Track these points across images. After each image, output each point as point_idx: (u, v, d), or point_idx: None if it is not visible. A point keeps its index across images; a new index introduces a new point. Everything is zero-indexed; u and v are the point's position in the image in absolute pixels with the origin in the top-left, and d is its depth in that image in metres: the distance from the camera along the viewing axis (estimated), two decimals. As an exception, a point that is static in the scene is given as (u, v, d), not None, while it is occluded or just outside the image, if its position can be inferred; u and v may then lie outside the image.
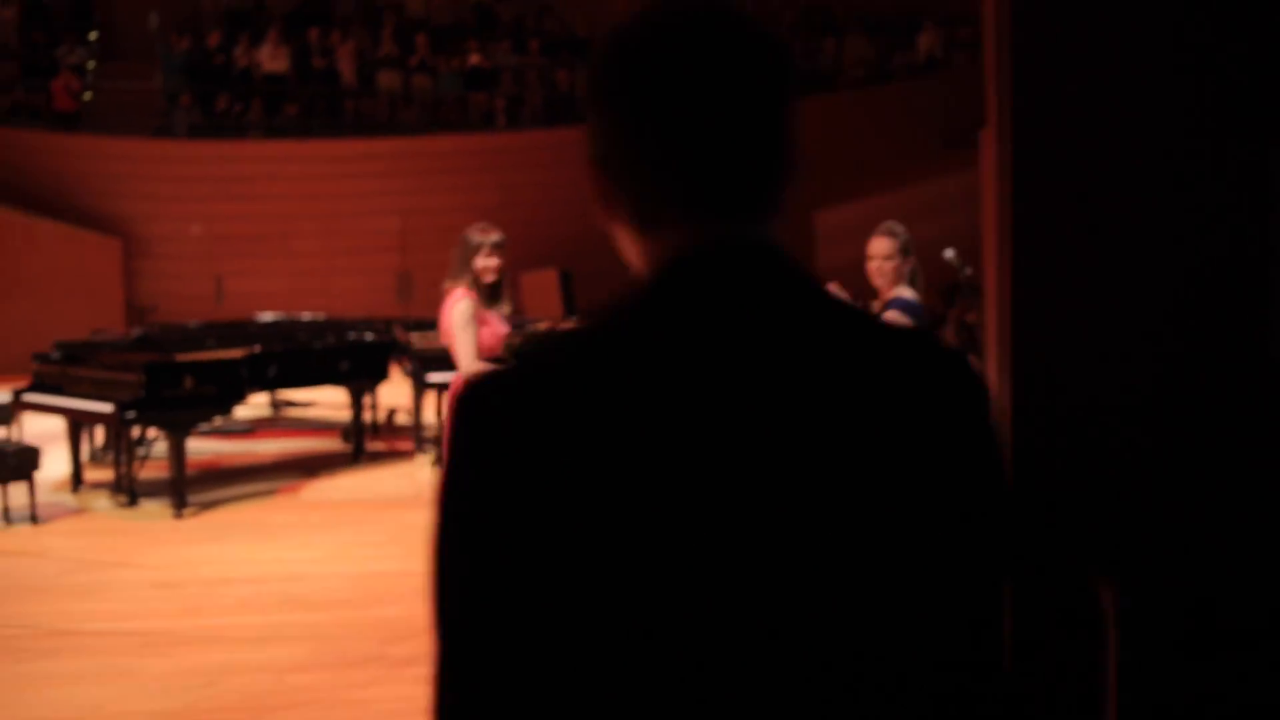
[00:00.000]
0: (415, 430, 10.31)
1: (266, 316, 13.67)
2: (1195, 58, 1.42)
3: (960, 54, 24.14)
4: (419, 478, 9.75)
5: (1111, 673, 1.31)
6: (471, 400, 1.05)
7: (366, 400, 11.08)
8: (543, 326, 11.46)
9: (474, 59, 22.74)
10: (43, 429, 10.77)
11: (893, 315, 5.01)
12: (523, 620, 1.04)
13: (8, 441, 8.09)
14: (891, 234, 5.07)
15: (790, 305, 1.08)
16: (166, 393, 7.98)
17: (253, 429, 11.95)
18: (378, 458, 10.61)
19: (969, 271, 5.67)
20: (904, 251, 5.05)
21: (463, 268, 5.35)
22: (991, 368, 1.46)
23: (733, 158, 1.11)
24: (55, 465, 9.42)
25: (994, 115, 1.50)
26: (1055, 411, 1.37)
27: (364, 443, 10.74)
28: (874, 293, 5.17)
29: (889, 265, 5.05)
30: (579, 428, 1.01)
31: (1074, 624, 1.33)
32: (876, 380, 1.06)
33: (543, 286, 20.28)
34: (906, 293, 5.05)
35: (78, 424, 9.07)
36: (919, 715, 1.05)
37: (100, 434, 10.39)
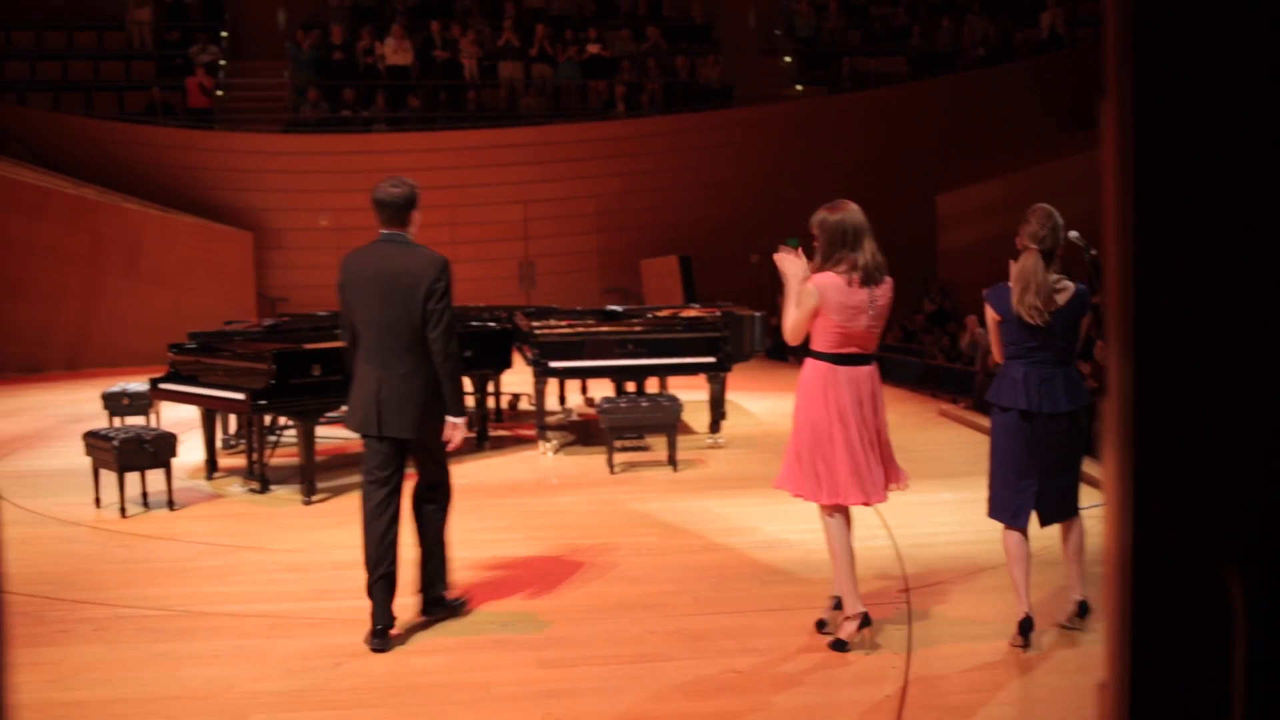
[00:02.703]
0: (538, 417, 10.40)
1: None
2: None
3: (1085, 30, 23.54)
4: (541, 464, 9.84)
5: (1240, 665, 1.26)
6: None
7: (490, 387, 11.21)
8: (664, 314, 11.47)
9: (593, 47, 22.81)
10: (179, 417, 11.11)
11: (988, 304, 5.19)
12: (347, 309, 5.40)
13: (146, 429, 8.35)
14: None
15: (394, 243, 5.33)
16: (296, 381, 8.15)
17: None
18: (501, 444, 10.74)
19: (1093, 253, 5.53)
20: (1032, 235, 5.06)
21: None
22: (1113, 350, 1.41)
23: (390, 215, 5.33)
24: (190, 452, 9.70)
25: (1114, 85, 1.44)
26: (1180, 395, 1.32)
27: (487, 429, 10.88)
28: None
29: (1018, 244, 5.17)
30: (349, 265, 5.37)
31: (1201, 615, 1.28)
32: (403, 255, 5.28)
33: (663, 272, 20.33)
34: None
35: (211, 412, 9.31)
36: (417, 339, 5.26)
37: (233, 422, 10.68)
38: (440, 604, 5.68)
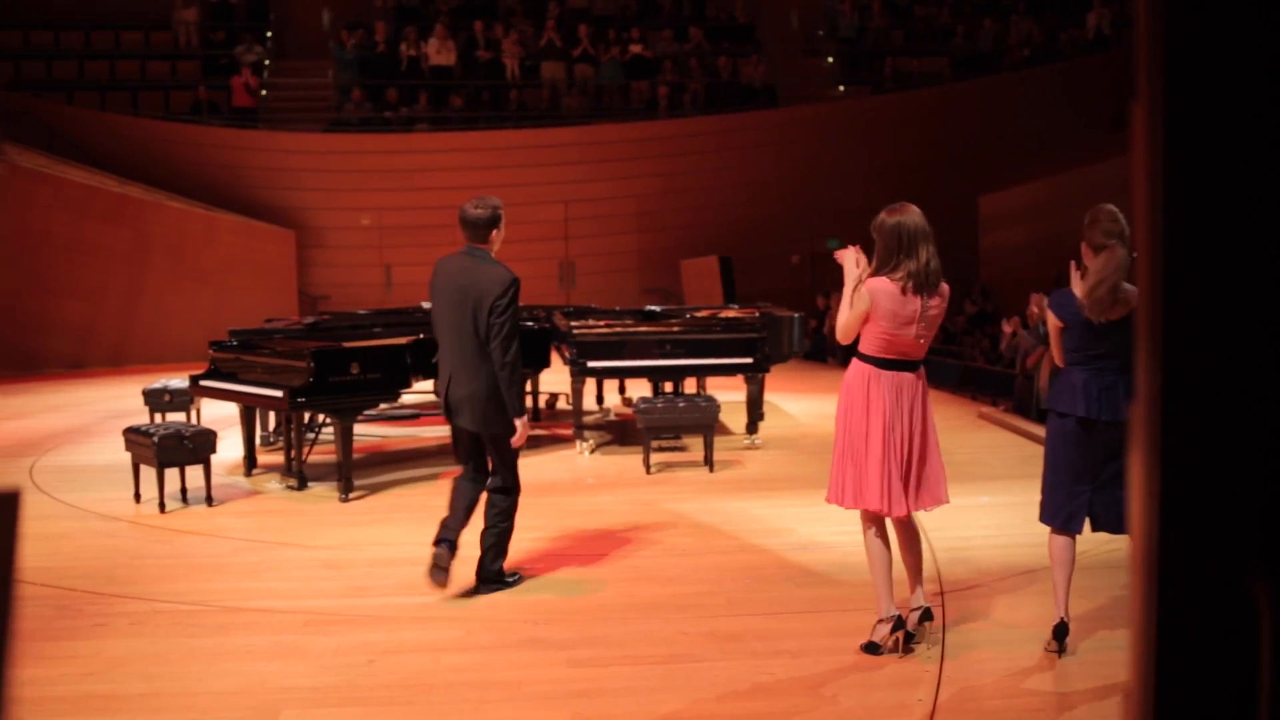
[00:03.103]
0: (575, 416, 10.40)
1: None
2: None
3: (1131, 31, 23.33)
4: (578, 463, 9.84)
5: (1265, 674, 1.23)
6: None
7: (527, 386, 11.22)
8: (703, 314, 11.44)
9: (635, 48, 22.81)
10: (219, 414, 11.20)
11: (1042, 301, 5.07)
12: (433, 304, 6.05)
13: (186, 426, 8.41)
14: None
15: (473, 257, 5.89)
16: (334, 379, 8.19)
17: (417, 415, 12.21)
18: (538, 443, 10.74)
19: (1135, 255, 5.46)
20: (1107, 233, 4.93)
21: None
22: (1143, 354, 1.39)
23: (472, 232, 5.92)
24: (230, 449, 9.77)
25: (1145, 87, 1.41)
26: (1209, 400, 1.29)
27: (525, 428, 10.89)
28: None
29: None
30: (436, 271, 6.00)
31: (1226, 623, 1.26)
32: (477, 269, 5.81)
33: (703, 272, 20.30)
34: (1073, 284, 5.01)
35: (251, 409, 9.38)
36: (484, 346, 5.78)
37: (272, 419, 10.75)
38: (493, 580, 6.05)
